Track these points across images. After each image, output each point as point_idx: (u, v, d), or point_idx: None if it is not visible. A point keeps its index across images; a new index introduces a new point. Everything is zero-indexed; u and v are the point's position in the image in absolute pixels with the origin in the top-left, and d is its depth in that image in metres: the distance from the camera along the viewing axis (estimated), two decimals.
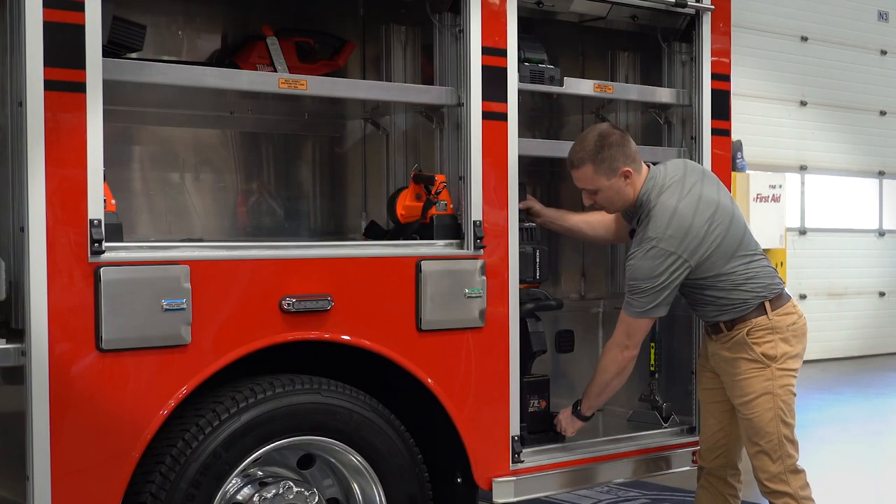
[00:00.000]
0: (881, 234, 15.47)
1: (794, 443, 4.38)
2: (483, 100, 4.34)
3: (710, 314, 4.48)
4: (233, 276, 3.80)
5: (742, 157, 11.27)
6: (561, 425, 4.70)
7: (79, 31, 3.46)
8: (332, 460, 4.11)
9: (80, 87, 3.46)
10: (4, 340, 3.42)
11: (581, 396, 4.67)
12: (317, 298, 3.93)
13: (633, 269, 4.35)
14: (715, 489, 4.66)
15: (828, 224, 14.55)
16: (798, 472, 4.37)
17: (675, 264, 4.28)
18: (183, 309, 3.63)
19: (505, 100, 4.41)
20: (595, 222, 4.90)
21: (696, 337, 5.05)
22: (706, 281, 4.39)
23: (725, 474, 4.65)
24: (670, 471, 5.06)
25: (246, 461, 3.81)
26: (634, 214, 4.51)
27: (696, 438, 4.93)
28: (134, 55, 4.17)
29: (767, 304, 4.38)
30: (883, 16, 15.23)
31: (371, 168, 5.09)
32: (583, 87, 4.92)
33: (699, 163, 5.08)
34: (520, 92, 4.48)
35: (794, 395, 4.41)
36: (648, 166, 4.53)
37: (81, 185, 3.47)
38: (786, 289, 4.55)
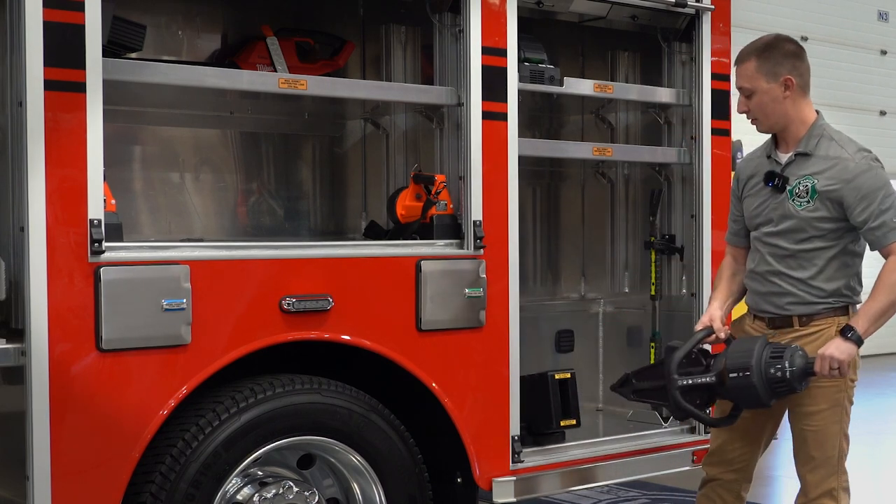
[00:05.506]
0: None
1: (846, 457, 4.02)
2: (483, 100, 4.34)
3: (789, 302, 4.00)
4: (233, 276, 3.80)
5: (742, 157, 11.24)
6: (835, 364, 3.80)
7: (79, 31, 3.46)
8: (332, 460, 4.10)
9: (80, 87, 3.46)
10: (4, 340, 3.43)
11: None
12: (317, 298, 3.93)
13: (874, 178, 3.96)
14: (724, 501, 4.20)
15: None
16: (848, 490, 4.01)
17: None
18: (183, 309, 3.63)
19: (505, 100, 4.41)
20: (738, 268, 4.27)
21: None
22: (836, 245, 4.08)
23: (739, 488, 4.22)
24: (670, 471, 5.05)
25: (246, 461, 3.81)
26: (793, 145, 4.14)
27: (697, 438, 4.92)
28: (134, 55, 4.17)
29: (851, 306, 4.06)
30: (883, 16, 15.23)
31: (371, 168, 5.09)
32: (583, 87, 4.93)
33: (699, 162, 5.10)
34: (520, 92, 4.48)
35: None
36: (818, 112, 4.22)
37: (81, 185, 3.47)
38: None
